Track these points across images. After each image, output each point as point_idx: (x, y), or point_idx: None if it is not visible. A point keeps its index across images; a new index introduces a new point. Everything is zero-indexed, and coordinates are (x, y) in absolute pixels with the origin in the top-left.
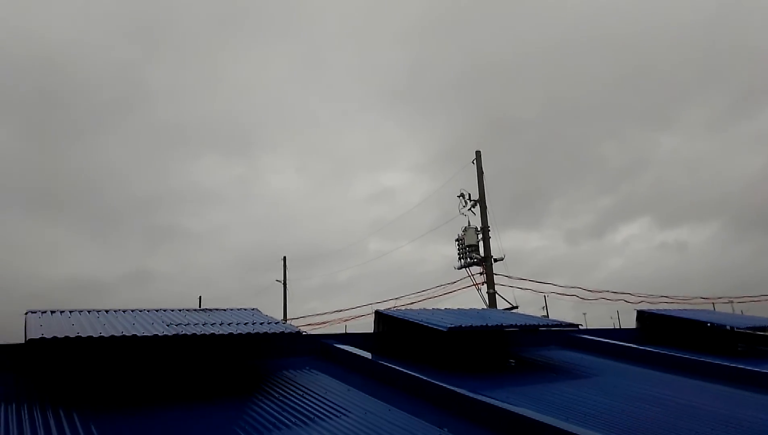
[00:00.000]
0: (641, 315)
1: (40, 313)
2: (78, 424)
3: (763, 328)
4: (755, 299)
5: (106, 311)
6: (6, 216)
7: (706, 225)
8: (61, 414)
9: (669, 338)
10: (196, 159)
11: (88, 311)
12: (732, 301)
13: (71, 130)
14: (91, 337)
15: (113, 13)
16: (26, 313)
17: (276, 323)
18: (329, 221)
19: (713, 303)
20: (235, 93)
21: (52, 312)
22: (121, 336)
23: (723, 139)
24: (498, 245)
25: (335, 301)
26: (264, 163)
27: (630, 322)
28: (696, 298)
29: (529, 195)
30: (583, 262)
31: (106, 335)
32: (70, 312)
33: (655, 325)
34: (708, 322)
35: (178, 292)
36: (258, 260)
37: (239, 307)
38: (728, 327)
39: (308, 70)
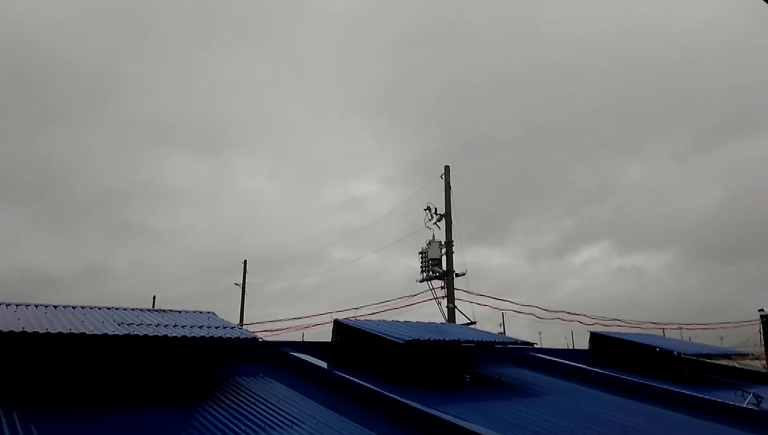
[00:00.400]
0: (594, 337)
1: None
2: (17, 423)
3: (708, 356)
4: (703, 326)
5: (55, 307)
6: None
7: (663, 253)
8: (0, 412)
9: (619, 361)
10: (167, 156)
11: (36, 306)
12: (681, 328)
13: (41, 118)
14: (37, 332)
15: (92, 5)
16: None
17: (231, 328)
18: (297, 226)
19: (663, 329)
20: (211, 92)
21: None
22: (68, 333)
23: (684, 170)
24: (461, 260)
25: (297, 307)
26: (235, 164)
27: (583, 343)
28: (647, 323)
29: (496, 213)
30: (543, 281)
31: (53, 331)
32: (17, 305)
33: (606, 348)
34: (657, 347)
35: (137, 291)
36: (221, 262)
37: (195, 309)
38: (676, 353)
39: (288, 75)
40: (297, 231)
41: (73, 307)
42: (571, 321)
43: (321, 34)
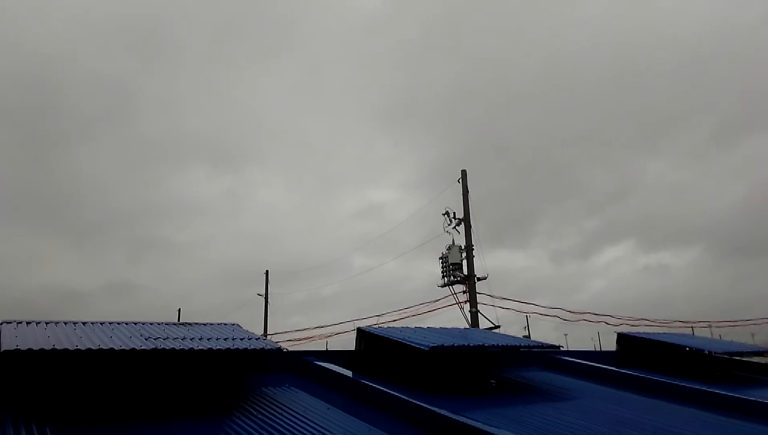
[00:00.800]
0: (621, 338)
1: (15, 324)
2: None
3: (740, 353)
4: (733, 324)
5: (83, 323)
6: None
7: (689, 250)
8: (34, 428)
9: (648, 362)
10: (184, 172)
11: (65, 323)
12: (711, 326)
13: (58, 141)
14: (67, 349)
15: (108, 25)
16: (1, 324)
17: (256, 339)
18: (316, 236)
19: (692, 327)
20: (227, 107)
21: (28, 323)
22: (97, 349)
23: (707, 167)
24: (481, 264)
25: (319, 316)
26: (252, 177)
27: (610, 345)
28: (675, 321)
29: (517, 216)
30: (567, 283)
31: (82, 348)
32: (47, 323)
33: (634, 349)
34: (687, 347)
35: (160, 305)
36: (242, 274)
37: (219, 321)
38: (706, 352)
39: (303, 87)
40: (317, 241)
41: (101, 323)
42: (598, 322)
43: (335, 45)
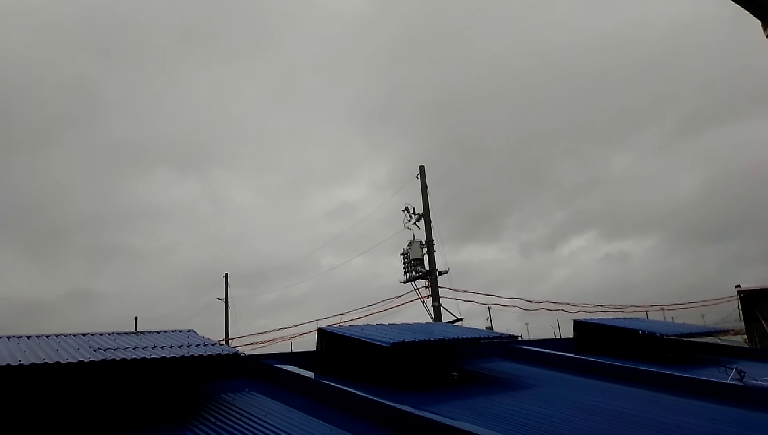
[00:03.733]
0: (578, 325)
1: None
2: None
3: (690, 335)
4: (684, 306)
5: (28, 337)
6: None
7: (648, 238)
8: None
9: (604, 347)
10: (147, 176)
11: (8, 337)
12: (663, 309)
13: (14, 147)
14: (9, 365)
15: (70, 26)
16: None
17: (212, 345)
18: (287, 237)
19: (646, 311)
20: (193, 108)
21: None
22: (42, 363)
23: (671, 158)
24: (443, 258)
25: (288, 317)
26: (219, 179)
27: (570, 332)
28: (630, 306)
29: (490, 211)
30: (533, 274)
31: (26, 363)
32: None
33: (591, 335)
34: (640, 331)
35: (124, 312)
36: (207, 278)
37: (178, 328)
38: (658, 334)
39: (276, 89)
40: (287, 241)
41: (47, 336)
42: (556, 310)
43: (314, 48)
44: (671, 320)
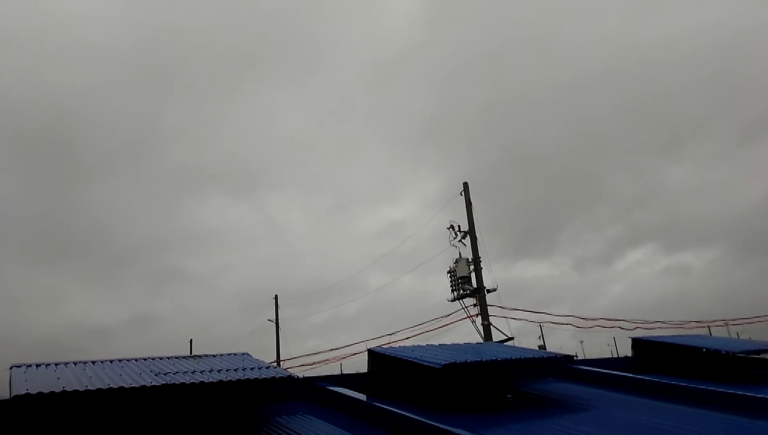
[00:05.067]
0: (636, 343)
1: (25, 368)
2: None
3: (758, 352)
4: (749, 321)
5: (93, 362)
6: (12, 265)
7: (709, 250)
8: None
9: (665, 365)
10: (202, 200)
11: (75, 363)
12: (727, 324)
13: (79, 177)
14: (77, 390)
15: (130, 61)
16: (11, 368)
17: (267, 368)
18: (336, 257)
19: (708, 326)
20: (244, 133)
21: (38, 366)
22: (107, 388)
23: (730, 168)
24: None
25: (338, 337)
26: (270, 201)
27: (627, 349)
28: (691, 322)
29: (543, 226)
30: (588, 289)
31: (92, 388)
32: (56, 365)
33: (650, 353)
34: (703, 348)
35: (181, 334)
36: (259, 299)
37: (233, 350)
38: (723, 352)
39: (326, 111)
40: (337, 262)
41: (111, 362)
42: (612, 328)
43: (362, 73)
44: (736, 336)
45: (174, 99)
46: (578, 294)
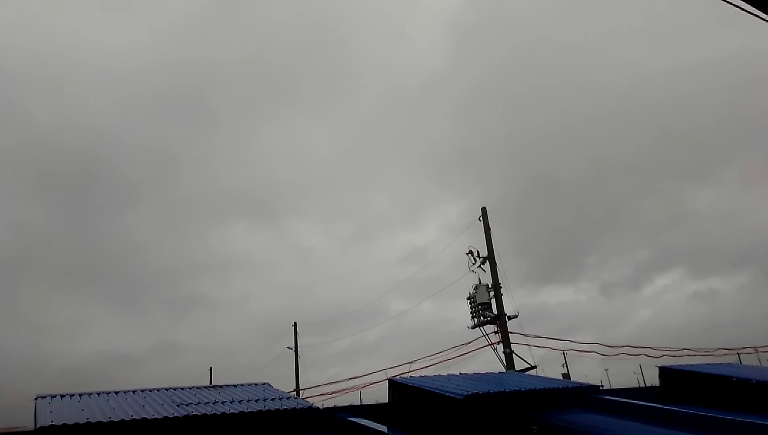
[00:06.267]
0: (664, 372)
1: (50, 398)
2: None
3: None
4: None
5: (116, 393)
6: (40, 293)
7: (740, 275)
8: None
9: (694, 395)
10: (224, 227)
11: (98, 393)
12: (757, 351)
13: (105, 206)
14: (101, 422)
15: (154, 94)
16: (36, 399)
17: (287, 399)
18: (358, 284)
19: (738, 353)
20: (265, 160)
21: (62, 396)
22: (130, 420)
23: (759, 191)
24: (512, 302)
25: (359, 365)
26: (291, 227)
27: (654, 377)
28: (719, 349)
29: (567, 251)
30: (615, 315)
31: (116, 419)
32: (80, 395)
33: (678, 382)
34: (733, 377)
35: (202, 361)
36: (280, 326)
37: (253, 380)
38: (754, 381)
39: (348, 138)
40: (358, 288)
41: (134, 392)
42: (638, 355)
43: (385, 101)
44: (767, 364)
45: (200, 127)
46: (604, 320)
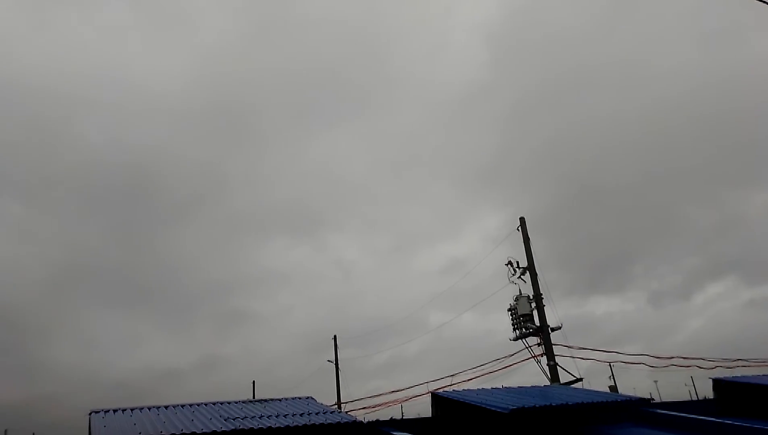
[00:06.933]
0: (718, 384)
1: (103, 413)
2: None
3: None
4: None
5: (165, 407)
6: (92, 310)
7: None
8: None
9: (750, 409)
10: (266, 243)
11: (149, 408)
12: None
13: (152, 225)
14: None
15: (202, 115)
16: (90, 414)
17: (331, 413)
18: (398, 296)
19: None
20: (306, 175)
21: (115, 411)
22: (180, 434)
23: None
24: (555, 313)
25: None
26: (331, 241)
27: (707, 389)
28: None
29: (614, 260)
30: (663, 325)
31: (166, 434)
32: (131, 410)
33: (733, 395)
34: None
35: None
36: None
37: (296, 393)
38: None
39: (388, 150)
40: (399, 300)
41: (182, 406)
42: (689, 366)
43: (426, 115)
44: None
45: (243, 145)
46: (652, 331)
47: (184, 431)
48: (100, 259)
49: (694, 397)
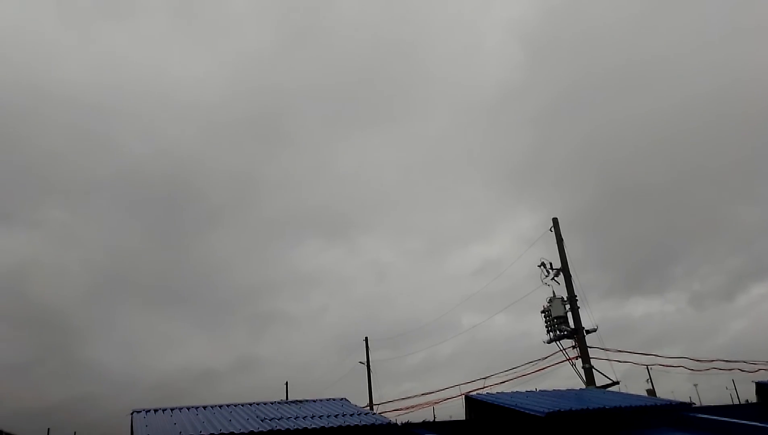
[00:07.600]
0: (761, 387)
1: (144, 413)
2: None
3: None
4: None
5: (204, 407)
6: (133, 313)
7: None
8: None
9: None
10: (300, 246)
11: (188, 408)
12: None
13: (190, 229)
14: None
15: (237, 123)
16: (132, 413)
17: (365, 414)
18: (432, 297)
19: None
20: (338, 179)
21: (155, 411)
22: (219, 434)
23: None
24: (590, 315)
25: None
26: (363, 245)
27: (749, 392)
28: None
29: (653, 260)
30: (704, 326)
31: (205, 433)
32: (172, 410)
33: None
34: None
35: (279, 376)
36: (353, 340)
37: (326, 395)
38: None
39: (422, 154)
40: (432, 302)
41: (220, 406)
42: (731, 370)
43: (458, 116)
44: None
45: (277, 151)
46: (693, 333)
47: (222, 431)
48: (139, 264)
49: (736, 401)
